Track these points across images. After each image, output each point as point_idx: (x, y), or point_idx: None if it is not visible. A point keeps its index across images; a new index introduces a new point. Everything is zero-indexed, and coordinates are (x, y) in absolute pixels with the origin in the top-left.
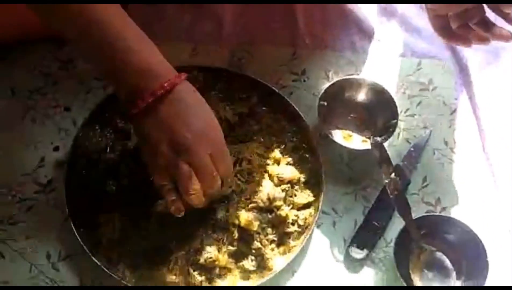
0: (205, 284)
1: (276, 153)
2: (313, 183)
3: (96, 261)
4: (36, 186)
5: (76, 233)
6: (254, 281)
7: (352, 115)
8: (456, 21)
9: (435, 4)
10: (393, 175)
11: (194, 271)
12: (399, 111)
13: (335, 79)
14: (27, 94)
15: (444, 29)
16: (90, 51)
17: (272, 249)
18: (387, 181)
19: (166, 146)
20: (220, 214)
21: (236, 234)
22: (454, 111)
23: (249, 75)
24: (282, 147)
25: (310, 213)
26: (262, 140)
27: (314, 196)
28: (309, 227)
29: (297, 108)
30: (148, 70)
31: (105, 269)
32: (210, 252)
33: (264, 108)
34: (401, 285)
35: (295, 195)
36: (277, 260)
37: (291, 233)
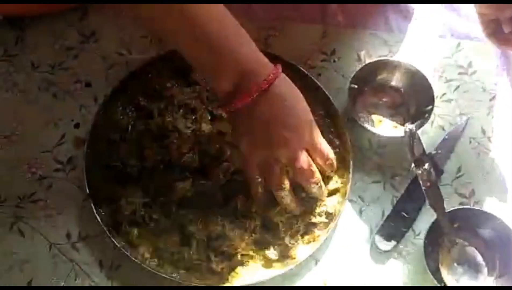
0: (226, 271)
1: None
2: (340, 170)
3: (116, 242)
4: (56, 164)
5: (96, 214)
6: (276, 269)
7: (384, 100)
8: (508, 25)
9: (486, 8)
10: (426, 165)
11: (215, 257)
12: (434, 96)
13: (368, 61)
14: (47, 68)
15: (496, 34)
16: (189, 48)
17: (296, 240)
18: (419, 171)
19: (262, 143)
20: (243, 201)
21: (258, 223)
22: (494, 97)
23: (275, 54)
24: None
25: (338, 200)
26: None
27: (341, 183)
28: (335, 216)
29: (325, 91)
30: (248, 69)
31: (124, 251)
32: (232, 239)
33: None
34: (413, 285)
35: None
36: (300, 249)
37: (317, 223)
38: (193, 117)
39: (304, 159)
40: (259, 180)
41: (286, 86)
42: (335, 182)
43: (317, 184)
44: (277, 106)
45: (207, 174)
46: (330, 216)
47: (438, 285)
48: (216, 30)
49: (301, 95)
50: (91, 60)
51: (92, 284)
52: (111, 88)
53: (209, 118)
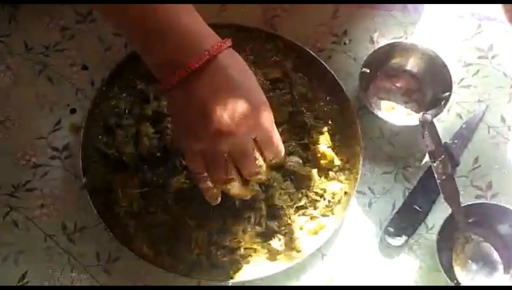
0: (229, 265)
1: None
2: (349, 160)
3: (113, 234)
4: (52, 151)
5: (92, 204)
6: (281, 262)
7: (397, 85)
8: None
9: None
10: (442, 157)
11: (217, 251)
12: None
13: (381, 43)
14: (42, 49)
15: None
16: (126, 22)
17: (301, 228)
18: (434, 164)
19: (202, 129)
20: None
21: (264, 212)
22: None
23: (282, 36)
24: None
25: (345, 191)
26: (293, 109)
27: (350, 173)
28: (342, 206)
29: (335, 75)
30: (188, 37)
31: (121, 243)
32: (235, 232)
33: (298, 74)
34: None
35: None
36: (306, 241)
37: (320, 202)
38: None
39: (249, 151)
40: (204, 174)
41: (233, 61)
42: (344, 172)
43: (262, 175)
44: (218, 82)
45: None
46: (333, 205)
47: (451, 284)
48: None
49: (251, 73)
50: (88, 42)
51: (89, 277)
52: (109, 71)
53: None
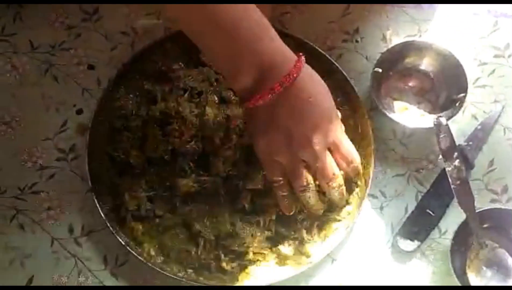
0: (237, 270)
1: None
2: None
3: (120, 239)
4: (58, 153)
5: (98, 207)
6: (290, 267)
7: (411, 85)
8: None
9: None
10: (456, 162)
11: (225, 256)
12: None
13: (394, 41)
14: (47, 48)
15: None
16: (207, 38)
17: (313, 234)
18: (449, 168)
19: (283, 144)
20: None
21: (273, 217)
22: None
23: (292, 34)
24: None
25: (357, 193)
26: None
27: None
28: (353, 209)
29: (346, 74)
30: (269, 62)
31: (129, 248)
32: (243, 237)
33: None
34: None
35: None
36: (316, 246)
37: (337, 218)
38: (198, 100)
39: (325, 159)
40: (282, 182)
41: (310, 80)
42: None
43: (339, 188)
44: (300, 103)
45: (209, 165)
46: (349, 213)
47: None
48: (237, 19)
49: (326, 88)
50: (94, 40)
51: (96, 281)
52: (116, 71)
53: (216, 101)
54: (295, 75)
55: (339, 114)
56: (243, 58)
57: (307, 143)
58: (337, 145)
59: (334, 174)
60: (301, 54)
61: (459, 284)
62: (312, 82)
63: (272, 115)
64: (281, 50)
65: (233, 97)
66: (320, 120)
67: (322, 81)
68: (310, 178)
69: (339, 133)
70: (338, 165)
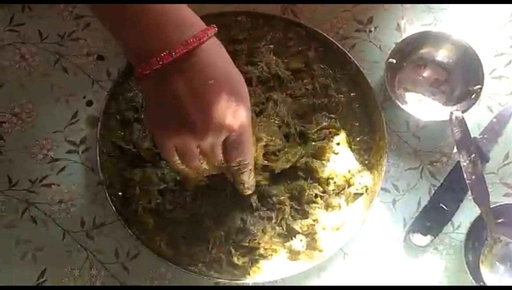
0: (248, 265)
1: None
2: (374, 155)
3: (131, 232)
4: (69, 145)
5: (110, 200)
6: (302, 262)
7: (425, 76)
8: None
9: None
10: (472, 156)
11: (236, 251)
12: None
13: (408, 31)
14: (56, 38)
15: None
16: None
17: (324, 228)
18: (464, 163)
19: (172, 124)
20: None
21: (286, 215)
22: None
23: (304, 23)
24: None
25: (368, 187)
26: (315, 101)
27: (374, 169)
28: (366, 203)
29: (359, 65)
30: (166, 23)
31: (140, 241)
32: (254, 232)
33: (321, 64)
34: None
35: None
36: (327, 240)
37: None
38: None
39: (215, 152)
40: (178, 163)
41: (218, 58)
42: (367, 168)
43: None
44: (197, 80)
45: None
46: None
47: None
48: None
49: (235, 70)
50: (103, 30)
51: (108, 274)
52: (125, 63)
53: None
54: (202, 39)
55: (248, 106)
56: (134, 14)
57: (199, 133)
58: (232, 144)
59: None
60: (213, 26)
61: (472, 280)
62: (220, 61)
63: (165, 87)
64: (185, 13)
65: None
66: (219, 110)
67: (232, 63)
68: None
69: (240, 127)
70: (225, 158)
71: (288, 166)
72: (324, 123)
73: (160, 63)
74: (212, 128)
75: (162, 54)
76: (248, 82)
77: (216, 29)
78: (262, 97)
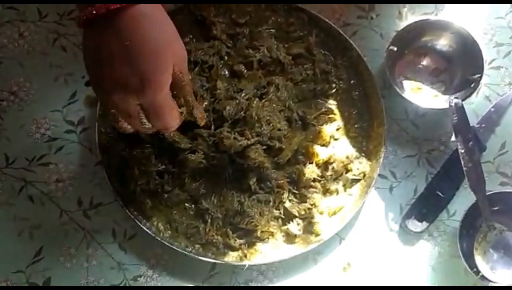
0: (245, 247)
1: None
2: (372, 142)
3: (129, 213)
4: (67, 125)
5: (108, 180)
6: (299, 246)
7: (425, 65)
8: None
9: None
10: (470, 144)
11: (233, 233)
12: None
13: (410, 19)
14: (55, 17)
15: None
16: None
17: (322, 213)
18: (462, 151)
19: (106, 78)
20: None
21: (285, 196)
22: None
23: (306, 9)
24: (339, 97)
25: (366, 173)
26: (315, 87)
27: (372, 155)
28: (363, 188)
29: (359, 52)
30: None
31: (138, 222)
32: (251, 215)
33: (321, 50)
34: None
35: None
36: (324, 224)
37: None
38: (209, 74)
39: (133, 113)
40: (127, 127)
41: (153, 17)
42: (366, 154)
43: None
44: (135, 31)
45: (219, 141)
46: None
47: (471, 272)
48: None
49: (171, 29)
50: None
51: (104, 254)
52: None
53: (227, 75)
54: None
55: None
56: None
57: (110, 94)
58: (153, 108)
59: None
60: None
61: (466, 265)
62: (159, 14)
63: (104, 37)
64: None
65: (245, 71)
66: (152, 68)
67: (171, 23)
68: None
69: (157, 98)
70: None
71: (291, 155)
72: (324, 109)
73: (94, 12)
74: (121, 90)
75: (98, 5)
76: (249, 65)
77: None
78: (263, 81)
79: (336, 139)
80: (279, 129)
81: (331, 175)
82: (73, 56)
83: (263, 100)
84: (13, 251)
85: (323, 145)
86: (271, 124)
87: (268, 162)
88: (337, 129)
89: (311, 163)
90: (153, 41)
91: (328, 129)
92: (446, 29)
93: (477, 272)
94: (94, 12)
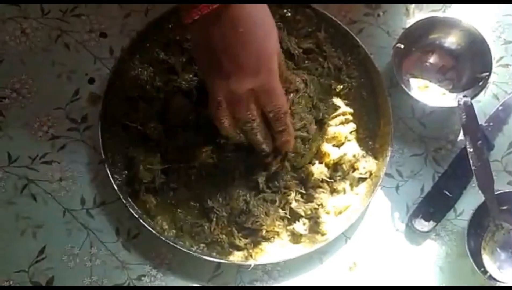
0: (250, 247)
1: (338, 102)
2: (378, 140)
3: (133, 212)
4: (70, 123)
5: (111, 179)
6: (304, 245)
7: (432, 62)
8: None
9: None
10: (479, 143)
11: (238, 232)
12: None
13: (417, 16)
14: (58, 14)
15: None
16: None
17: (328, 213)
18: (470, 150)
19: (214, 70)
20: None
21: (292, 197)
22: None
23: (313, 6)
24: (344, 94)
25: (372, 172)
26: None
27: (378, 154)
28: (369, 188)
29: (366, 49)
30: None
31: (142, 221)
32: (257, 215)
33: (331, 46)
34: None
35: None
36: (330, 223)
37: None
38: None
39: (242, 99)
40: (226, 122)
41: (260, 10)
42: (372, 153)
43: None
44: (231, 27)
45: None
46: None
47: (478, 272)
48: None
49: (272, 24)
50: (106, 7)
51: (108, 253)
52: (129, 40)
53: None
54: None
55: (281, 58)
56: None
57: (229, 75)
58: (263, 92)
59: (251, 117)
60: None
61: (474, 265)
62: (262, 13)
63: (212, 34)
64: None
65: None
66: (254, 57)
67: (271, 18)
68: (253, 111)
69: (270, 81)
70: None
71: (308, 161)
72: (341, 110)
73: (209, 8)
74: (239, 74)
75: (201, 6)
76: None
77: None
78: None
79: (349, 140)
80: (307, 132)
81: (339, 175)
82: (76, 53)
83: (297, 96)
84: (16, 250)
85: (337, 146)
86: (302, 122)
87: (289, 165)
88: (351, 132)
89: (321, 163)
90: (263, 26)
91: (343, 130)
92: (454, 27)
93: (485, 272)
94: (199, 12)
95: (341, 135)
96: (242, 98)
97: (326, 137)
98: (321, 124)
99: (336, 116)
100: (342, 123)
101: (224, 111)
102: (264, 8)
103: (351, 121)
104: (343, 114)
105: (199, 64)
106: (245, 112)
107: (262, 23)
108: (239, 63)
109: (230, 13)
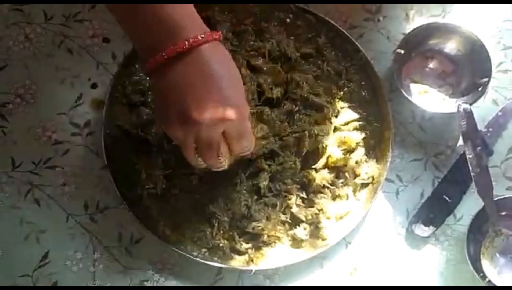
0: (251, 252)
1: (338, 105)
2: (378, 146)
3: (135, 216)
4: (73, 128)
5: (114, 184)
6: (305, 250)
7: (432, 68)
8: None
9: None
10: (478, 149)
11: (240, 237)
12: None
13: (417, 21)
14: (61, 19)
15: None
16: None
17: (329, 218)
18: (470, 155)
19: (175, 116)
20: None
21: (293, 201)
22: None
23: (313, 11)
24: (345, 99)
25: (373, 177)
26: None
27: (379, 159)
28: (370, 193)
29: (366, 54)
30: (171, 24)
31: (144, 226)
32: (258, 219)
33: (330, 51)
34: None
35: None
36: (331, 229)
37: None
38: None
39: (212, 144)
40: (197, 158)
41: (216, 55)
42: (372, 158)
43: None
44: (195, 73)
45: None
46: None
47: (477, 277)
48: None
49: (234, 69)
50: (109, 12)
51: (111, 258)
52: (131, 46)
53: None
54: (194, 44)
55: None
56: (143, 15)
57: (194, 124)
58: (233, 136)
59: (217, 159)
60: (218, 32)
61: (473, 270)
62: (220, 58)
63: (167, 81)
64: (188, 20)
65: (263, 66)
66: (217, 104)
67: (233, 65)
68: (221, 157)
69: (239, 118)
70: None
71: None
72: (354, 116)
73: (164, 57)
74: (205, 120)
75: (166, 50)
76: (262, 56)
77: (221, 35)
78: (283, 75)
79: (360, 146)
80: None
81: (342, 182)
82: (79, 58)
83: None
84: (20, 255)
85: (347, 152)
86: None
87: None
88: (363, 139)
89: (325, 168)
90: (231, 69)
91: (354, 136)
92: (454, 32)
93: (484, 277)
94: (165, 56)
95: (352, 141)
96: (216, 139)
97: (336, 141)
98: (328, 121)
99: (349, 122)
100: (355, 129)
101: (196, 156)
102: (224, 51)
103: (363, 128)
104: (357, 120)
105: (166, 113)
106: (214, 157)
107: (231, 65)
108: (212, 108)
109: (196, 57)
